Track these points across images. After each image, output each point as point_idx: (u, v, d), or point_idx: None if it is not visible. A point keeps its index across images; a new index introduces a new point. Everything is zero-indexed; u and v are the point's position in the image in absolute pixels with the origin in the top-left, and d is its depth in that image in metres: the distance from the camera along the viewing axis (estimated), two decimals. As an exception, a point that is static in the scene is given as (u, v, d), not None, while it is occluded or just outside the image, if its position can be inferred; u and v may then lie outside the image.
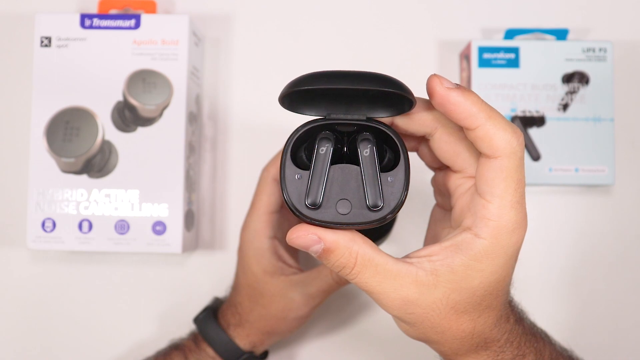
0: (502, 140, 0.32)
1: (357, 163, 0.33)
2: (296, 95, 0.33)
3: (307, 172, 0.33)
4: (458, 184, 0.36)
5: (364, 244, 0.33)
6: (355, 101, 0.34)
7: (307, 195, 0.32)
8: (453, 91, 0.32)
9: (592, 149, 0.59)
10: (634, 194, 0.63)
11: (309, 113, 0.34)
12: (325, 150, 0.33)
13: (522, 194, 0.33)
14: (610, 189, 0.63)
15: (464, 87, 0.33)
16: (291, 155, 0.33)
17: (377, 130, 0.34)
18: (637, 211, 0.63)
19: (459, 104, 0.32)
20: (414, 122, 0.35)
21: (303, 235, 0.33)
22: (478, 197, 0.33)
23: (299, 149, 0.34)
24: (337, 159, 0.33)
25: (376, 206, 0.32)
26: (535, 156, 0.60)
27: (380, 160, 0.34)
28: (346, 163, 0.33)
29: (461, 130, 0.34)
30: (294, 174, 0.33)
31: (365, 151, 0.33)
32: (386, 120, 0.35)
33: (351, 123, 0.34)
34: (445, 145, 0.35)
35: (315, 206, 0.32)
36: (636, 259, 0.63)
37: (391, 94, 0.33)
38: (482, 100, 0.32)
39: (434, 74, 0.33)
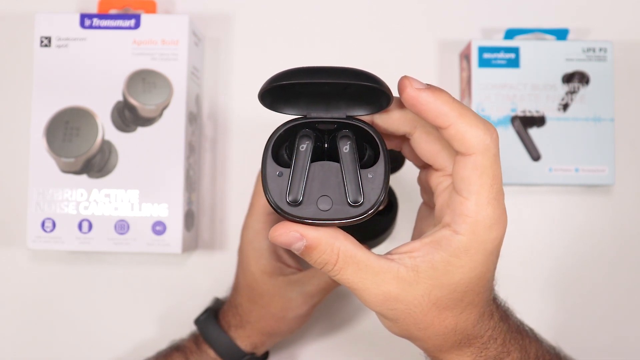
0: (474, 137, 0.32)
1: (337, 161, 0.33)
2: (276, 94, 0.34)
3: (288, 169, 0.33)
4: (438, 181, 0.36)
5: (346, 241, 0.34)
6: (335, 99, 0.34)
7: (288, 192, 0.33)
8: (423, 92, 0.32)
9: (592, 149, 0.59)
10: (634, 194, 0.63)
11: (289, 112, 0.35)
12: (305, 147, 0.33)
13: (498, 190, 0.33)
14: (610, 189, 0.63)
15: (435, 87, 0.33)
16: (273, 154, 0.34)
17: (357, 128, 0.34)
18: (637, 211, 0.63)
19: (429, 104, 0.32)
20: (392, 121, 0.35)
21: (285, 233, 0.33)
22: (455, 194, 0.34)
23: (280, 148, 0.35)
24: (317, 156, 0.34)
25: (356, 202, 0.33)
26: (535, 156, 0.60)
27: (361, 158, 0.34)
28: (326, 161, 0.34)
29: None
30: (275, 171, 0.33)
31: (345, 147, 0.33)
32: (366, 119, 0.35)
33: (331, 121, 0.34)
34: (425, 144, 0.36)
35: (296, 203, 0.33)
36: (636, 259, 0.63)
37: (369, 91, 0.33)
38: (454, 99, 0.33)
39: (404, 76, 0.33)
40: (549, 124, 0.60)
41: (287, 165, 0.34)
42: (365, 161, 0.34)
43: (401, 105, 0.35)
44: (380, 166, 0.33)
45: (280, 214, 0.33)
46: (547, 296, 0.63)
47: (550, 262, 0.63)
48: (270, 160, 0.34)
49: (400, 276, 0.34)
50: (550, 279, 0.63)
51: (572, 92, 0.60)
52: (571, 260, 0.63)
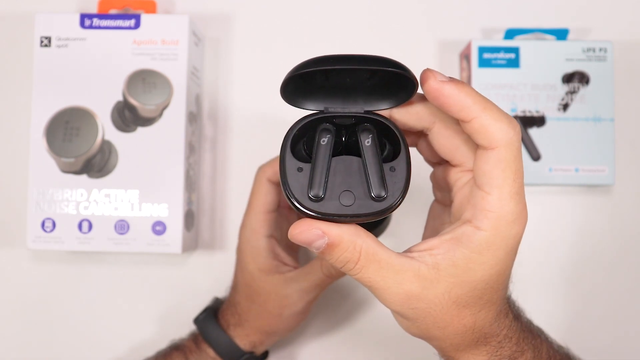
0: (498, 131, 0.32)
1: (356, 155, 0.33)
2: (296, 86, 0.33)
3: (308, 164, 0.32)
4: (457, 177, 0.36)
5: (368, 238, 0.33)
6: (353, 94, 0.34)
7: (309, 187, 0.32)
8: (446, 84, 0.32)
9: (592, 149, 0.59)
10: (634, 194, 0.63)
11: (307, 107, 0.34)
12: (326, 141, 0.32)
13: (520, 185, 0.33)
14: (610, 189, 0.63)
15: (458, 79, 0.32)
16: (290, 150, 0.33)
17: (376, 122, 0.34)
18: (637, 211, 0.63)
19: (452, 97, 0.32)
20: (411, 115, 0.35)
21: (306, 230, 0.32)
22: (477, 189, 0.33)
23: (297, 144, 0.34)
24: (336, 152, 0.33)
25: (380, 196, 0.32)
26: (535, 156, 0.60)
27: (381, 152, 0.33)
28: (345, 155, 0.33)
29: (459, 124, 0.34)
30: (295, 166, 0.32)
31: (367, 141, 0.33)
32: (384, 113, 0.35)
33: (350, 115, 0.34)
34: (444, 139, 0.35)
35: (318, 198, 0.32)
36: (636, 259, 0.63)
37: (390, 82, 0.32)
38: (477, 92, 0.32)
39: (427, 68, 0.32)
40: (549, 124, 0.60)
41: (305, 160, 0.33)
42: (385, 156, 0.34)
43: (420, 99, 0.35)
44: (402, 160, 0.33)
45: (302, 211, 0.32)
46: (547, 296, 0.63)
47: (550, 262, 0.63)
48: (289, 154, 0.33)
49: (421, 274, 0.33)
50: (550, 279, 0.63)
51: (572, 92, 0.60)
52: (571, 260, 0.63)
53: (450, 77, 0.32)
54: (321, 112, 0.34)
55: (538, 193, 0.63)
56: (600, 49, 0.60)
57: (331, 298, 0.62)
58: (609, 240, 0.63)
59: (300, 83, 0.33)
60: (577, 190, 0.63)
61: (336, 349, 0.63)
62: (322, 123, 0.33)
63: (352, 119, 0.34)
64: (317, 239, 0.32)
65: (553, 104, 0.60)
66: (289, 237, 0.33)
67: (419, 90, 0.34)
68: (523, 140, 0.60)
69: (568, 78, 0.60)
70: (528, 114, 0.60)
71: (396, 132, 0.33)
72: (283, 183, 0.32)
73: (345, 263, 0.33)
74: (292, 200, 0.32)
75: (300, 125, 0.33)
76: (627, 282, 0.63)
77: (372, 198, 0.32)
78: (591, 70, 0.60)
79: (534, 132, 0.60)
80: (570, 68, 0.60)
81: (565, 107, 0.60)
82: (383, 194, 0.32)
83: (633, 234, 0.63)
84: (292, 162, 0.32)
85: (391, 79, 0.33)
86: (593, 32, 0.64)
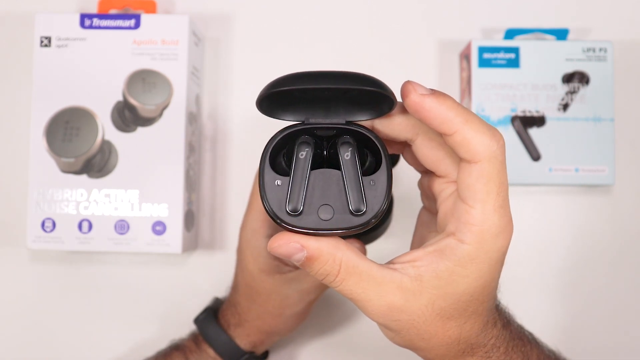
0: (480, 144, 0.31)
1: (337, 168, 0.32)
2: (274, 99, 0.32)
3: (287, 178, 0.32)
4: (442, 188, 0.35)
5: (348, 251, 0.33)
6: (334, 105, 0.33)
7: (287, 201, 0.32)
8: (427, 97, 0.31)
9: (592, 149, 0.59)
10: (634, 194, 0.63)
11: (287, 118, 0.34)
12: (305, 154, 0.32)
13: (505, 198, 0.33)
14: (610, 189, 0.63)
15: (440, 92, 0.32)
16: (270, 162, 0.33)
17: (358, 133, 0.33)
18: (637, 211, 0.63)
19: (433, 110, 0.31)
20: (394, 127, 0.34)
21: (284, 244, 0.32)
22: (460, 202, 0.33)
23: (278, 156, 0.34)
24: (317, 164, 0.33)
25: (359, 210, 0.32)
26: (535, 156, 0.60)
27: (362, 164, 0.33)
28: (326, 168, 0.33)
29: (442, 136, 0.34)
30: (274, 180, 0.32)
31: (346, 154, 0.32)
32: (366, 124, 0.34)
33: (330, 127, 0.33)
34: (427, 151, 0.35)
35: (296, 212, 0.31)
36: (636, 259, 0.63)
37: (370, 95, 0.32)
38: (459, 105, 0.32)
39: (408, 81, 0.32)
40: (549, 124, 0.60)
41: (285, 173, 0.32)
42: (366, 168, 0.34)
43: (403, 110, 0.34)
44: (382, 173, 0.32)
45: (280, 225, 0.32)
46: (547, 296, 0.63)
47: (549, 262, 0.63)
48: (268, 168, 0.32)
49: (403, 286, 0.33)
50: (549, 279, 0.63)
51: (572, 92, 0.60)
52: (571, 260, 0.63)
53: (432, 90, 0.32)
54: (301, 123, 0.33)
55: (538, 193, 0.63)
56: (600, 49, 0.60)
57: (331, 298, 0.62)
58: (608, 240, 0.63)
59: (278, 97, 0.32)
60: (577, 190, 0.63)
61: (336, 349, 0.63)
62: (301, 135, 0.33)
63: (333, 130, 0.33)
64: (296, 252, 0.32)
65: (553, 104, 0.60)
66: (268, 249, 0.33)
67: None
68: (523, 140, 0.60)
69: (568, 78, 0.60)
70: (528, 114, 0.60)
71: (377, 144, 0.33)
72: (262, 197, 0.32)
73: (326, 276, 0.33)
74: (270, 214, 0.32)
75: (279, 138, 0.33)
76: (627, 282, 0.63)
77: (351, 212, 0.32)
78: (591, 70, 0.60)
79: (534, 132, 0.60)
80: (570, 68, 0.60)
81: (565, 107, 0.60)
82: (362, 208, 0.32)
83: (633, 234, 0.63)
84: (270, 175, 0.32)
85: (370, 95, 0.32)
86: (593, 32, 0.64)
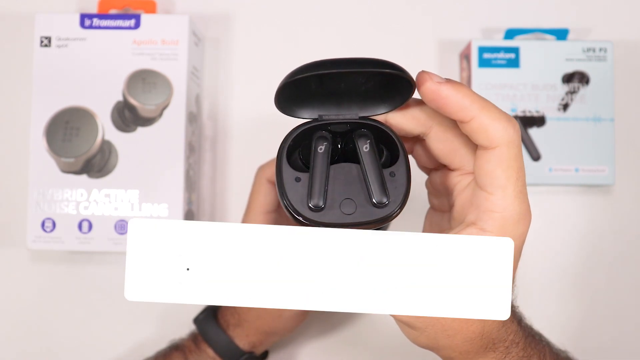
0: (498, 129, 0.31)
1: (353, 162, 0.32)
2: (289, 94, 0.32)
3: (306, 174, 0.32)
4: (457, 180, 0.35)
5: None
6: (347, 100, 0.33)
7: (309, 197, 0.31)
8: (444, 85, 0.31)
9: (592, 149, 0.59)
10: (634, 194, 0.63)
11: (301, 115, 0.34)
12: (323, 149, 0.32)
13: (523, 183, 0.33)
14: (610, 189, 0.63)
15: (455, 80, 0.32)
16: (287, 159, 0.32)
17: (372, 127, 0.33)
18: (637, 211, 0.63)
19: (450, 97, 0.31)
20: (407, 119, 0.34)
21: None
22: (479, 190, 0.33)
23: (293, 154, 0.34)
24: (332, 160, 0.33)
25: (382, 202, 0.31)
26: (535, 156, 0.60)
27: (379, 157, 0.33)
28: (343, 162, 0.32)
29: (457, 127, 0.34)
30: (293, 176, 0.32)
31: (365, 147, 0.32)
32: (379, 118, 0.34)
33: (345, 122, 0.33)
34: (442, 143, 0.35)
35: (318, 208, 0.31)
36: (636, 259, 0.63)
37: (385, 86, 0.32)
38: (474, 92, 0.32)
39: (423, 71, 0.32)
40: (549, 124, 0.60)
41: (302, 170, 0.32)
42: (382, 162, 0.33)
43: (415, 103, 0.34)
44: (401, 164, 0.32)
45: (302, 222, 0.31)
46: (546, 296, 0.63)
47: (550, 262, 0.63)
48: (286, 165, 0.32)
49: None
50: (550, 279, 0.63)
51: (572, 92, 0.60)
52: (571, 260, 0.63)
53: (447, 78, 0.32)
54: (316, 119, 0.33)
55: (538, 193, 0.63)
56: (600, 49, 0.60)
57: (331, 298, 0.62)
58: (609, 240, 0.63)
59: (294, 90, 0.32)
60: (577, 190, 0.63)
61: (336, 350, 0.63)
62: (317, 131, 0.33)
63: (347, 126, 0.33)
64: None
65: (553, 104, 0.60)
66: None
67: (415, 93, 0.33)
68: (523, 140, 0.60)
69: (568, 78, 0.60)
70: (528, 114, 0.60)
71: (393, 137, 0.33)
72: (281, 194, 0.32)
73: None
74: (292, 211, 0.31)
75: (295, 134, 0.33)
76: (628, 282, 0.63)
77: (374, 205, 0.31)
78: (591, 70, 0.60)
79: (534, 132, 0.60)
80: (570, 68, 0.60)
81: (565, 107, 0.60)
82: (385, 200, 0.31)
83: (633, 234, 0.63)
84: (289, 172, 0.32)
85: (386, 83, 0.32)
86: (593, 32, 0.64)
